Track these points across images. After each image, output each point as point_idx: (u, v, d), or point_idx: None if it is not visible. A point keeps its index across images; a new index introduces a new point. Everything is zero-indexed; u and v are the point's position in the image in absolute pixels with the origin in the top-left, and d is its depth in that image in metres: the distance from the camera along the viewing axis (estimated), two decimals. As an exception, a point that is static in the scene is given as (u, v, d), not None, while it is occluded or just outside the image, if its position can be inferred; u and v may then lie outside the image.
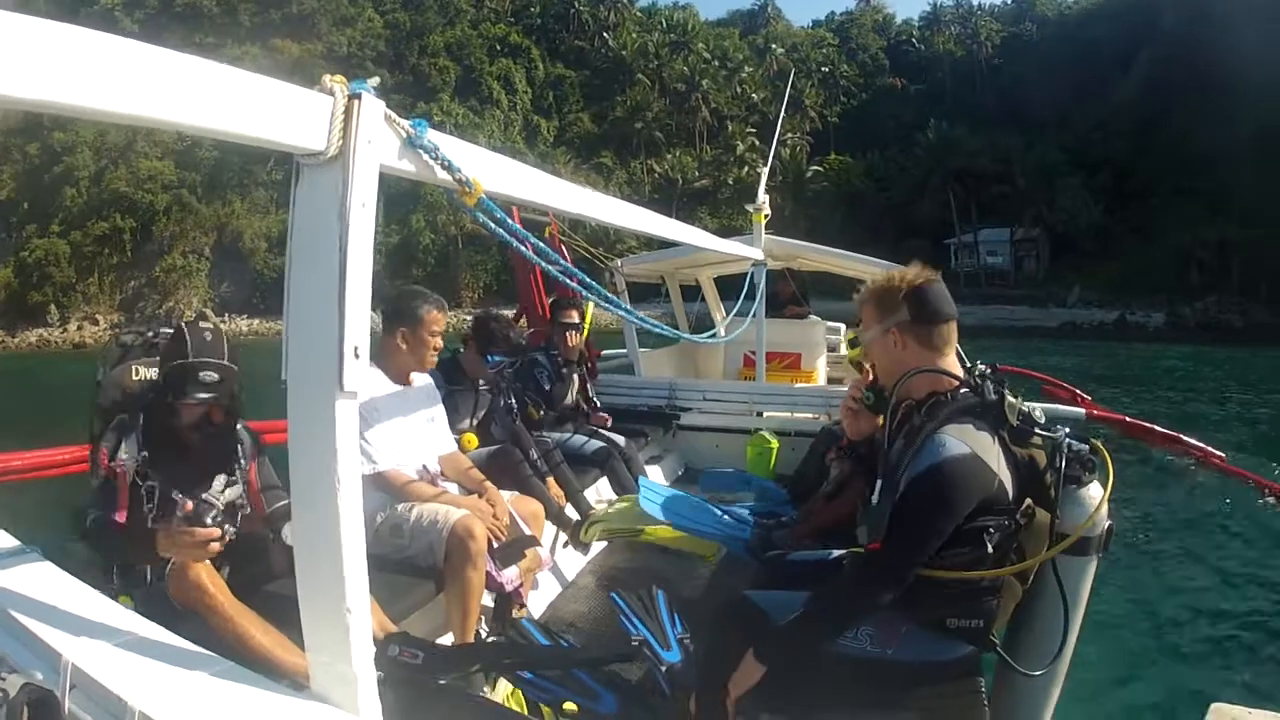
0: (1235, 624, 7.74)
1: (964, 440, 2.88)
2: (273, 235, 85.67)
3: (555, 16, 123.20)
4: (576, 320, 7.83)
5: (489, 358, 6.05)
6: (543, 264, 2.88)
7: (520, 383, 7.45)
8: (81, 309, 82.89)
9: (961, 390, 3.08)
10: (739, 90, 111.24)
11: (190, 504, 3.47)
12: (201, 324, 3.77)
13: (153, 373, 3.84)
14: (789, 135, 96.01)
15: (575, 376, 7.90)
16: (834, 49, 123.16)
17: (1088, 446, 3.20)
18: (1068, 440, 3.11)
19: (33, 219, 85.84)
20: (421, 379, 5.14)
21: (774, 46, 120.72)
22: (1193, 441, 7.77)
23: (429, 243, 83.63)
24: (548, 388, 7.52)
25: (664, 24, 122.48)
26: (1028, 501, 3.01)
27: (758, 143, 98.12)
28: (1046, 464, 3.08)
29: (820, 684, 3.10)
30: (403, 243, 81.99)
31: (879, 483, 3.09)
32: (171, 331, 3.89)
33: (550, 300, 8.38)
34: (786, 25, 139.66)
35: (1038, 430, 3.05)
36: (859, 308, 3.45)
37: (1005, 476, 2.94)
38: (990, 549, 2.91)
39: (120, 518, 3.47)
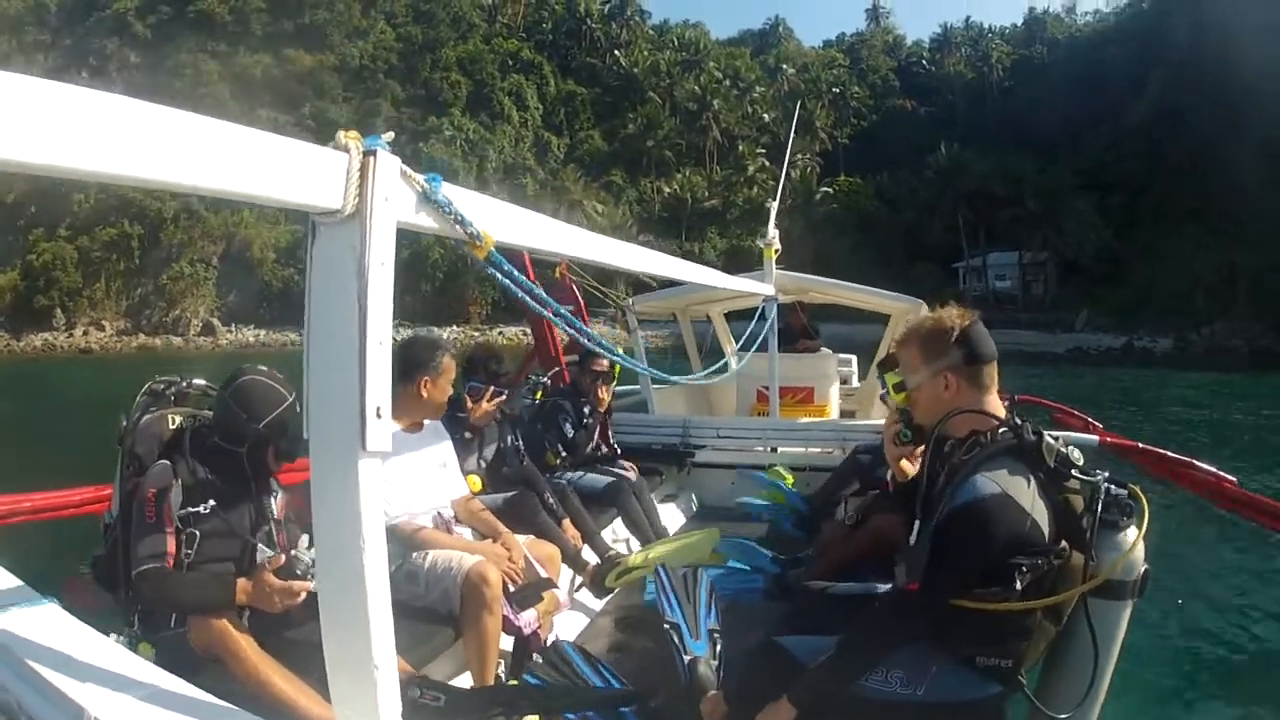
0: (1261, 667, 7.71)
1: (997, 481, 2.87)
2: (281, 246, 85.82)
3: (567, 33, 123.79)
4: (606, 369, 7.80)
5: (468, 384, 5.97)
6: (543, 311, 2.84)
7: (542, 425, 7.42)
8: (88, 314, 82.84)
9: (1001, 430, 3.07)
10: (750, 110, 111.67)
11: (282, 557, 3.54)
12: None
13: (180, 420, 3.86)
14: (799, 156, 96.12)
15: (598, 424, 7.85)
16: (844, 70, 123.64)
17: (1126, 491, 3.17)
18: (1106, 484, 3.09)
19: (40, 223, 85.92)
20: (433, 425, 5.12)
21: (785, 66, 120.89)
22: (1206, 467, 7.73)
23: (438, 258, 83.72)
24: (570, 435, 7.48)
25: (675, 42, 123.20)
26: (1063, 543, 2.98)
27: (768, 163, 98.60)
28: (1084, 507, 3.07)
29: None
30: (412, 258, 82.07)
31: (917, 523, 3.05)
32: (203, 384, 4.05)
33: (570, 343, 8.35)
34: (798, 45, 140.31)
35: (1074, 473, 3.04)
36: (899, 349, 3.44)
37: (1040, 517, 2.93)
38: (1019, 587, 2.88)
39: (169, 564, 3.47)
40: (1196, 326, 66.96)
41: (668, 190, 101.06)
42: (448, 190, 2.05)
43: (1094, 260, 77.26)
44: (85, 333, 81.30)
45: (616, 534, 7.11)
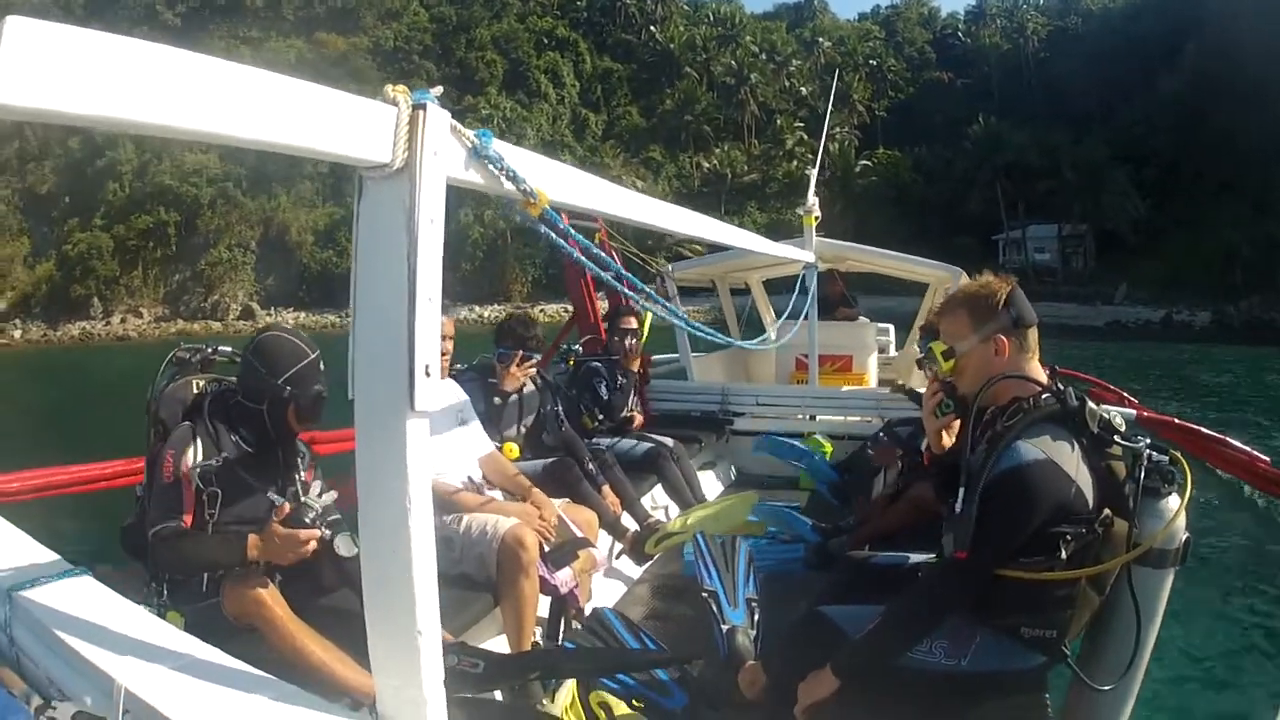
0: None
1: (1040, 448, 2.84)
2: (319, 228, 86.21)
3: (602, 10, 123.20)
4: (635, 327, 7.78)
5: (497, 351, 5.93)
6: (601, 273, 2.81)
7: (576, 390, 7.40)
8: (125, 302, 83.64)
9: (1044, 396, 3.03)
10: (787, 84, 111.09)
11: (288, 505, 3.50)
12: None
13: (204, 385, 3.85)
14: (836, 130, 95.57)
15: (633, 386, 7.83)
16: (880, 42, 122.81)
17: (1167, 458, 3.13)
18: (1148, 450, 3.05)
19: (75, 213, 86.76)
20: (445, 384, 5.07)
21: (821, 40, 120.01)
22: (1239, 445, 7.65)
23: (478, 236, 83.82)
24: (605, 397, 7.46)
25: (711, 17, 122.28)
26: (1106, 511, 2.94)
27: (806, 136, 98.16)
28: (1126, 474, 3.03)
29: (894, 698, 3.04)
30: (453, 236, 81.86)
31: (961, 491, 3.01)
32: (229, 350, 4.00)
33: (609, 309, 8.33)
34: (833, 18, 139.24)
35: (1118, 440, 3.01)
36: (942, 318, 3.39)
37: (1085, 484, 2.89)
38: (1064, 555, 2.85)
39: (187, 523, 3.44)
40: (1235, 300, 66.18)
41: (706, 165, 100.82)
42: (499, 146, 2.01)
43: (1131, 232, 76.40)
44: (123, 320, 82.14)
45: (656, 501, 7.13)
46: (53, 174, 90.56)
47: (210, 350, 4.01)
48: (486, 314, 72.42)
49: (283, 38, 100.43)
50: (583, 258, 2.59)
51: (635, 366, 7.77)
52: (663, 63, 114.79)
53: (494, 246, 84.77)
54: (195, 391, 3.81)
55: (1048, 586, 2.91)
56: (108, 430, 4.85)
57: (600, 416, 7.43)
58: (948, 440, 3.58)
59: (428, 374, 1.81)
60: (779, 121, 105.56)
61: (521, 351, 5.87)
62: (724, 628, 4.05)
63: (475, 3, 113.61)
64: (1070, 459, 2.88)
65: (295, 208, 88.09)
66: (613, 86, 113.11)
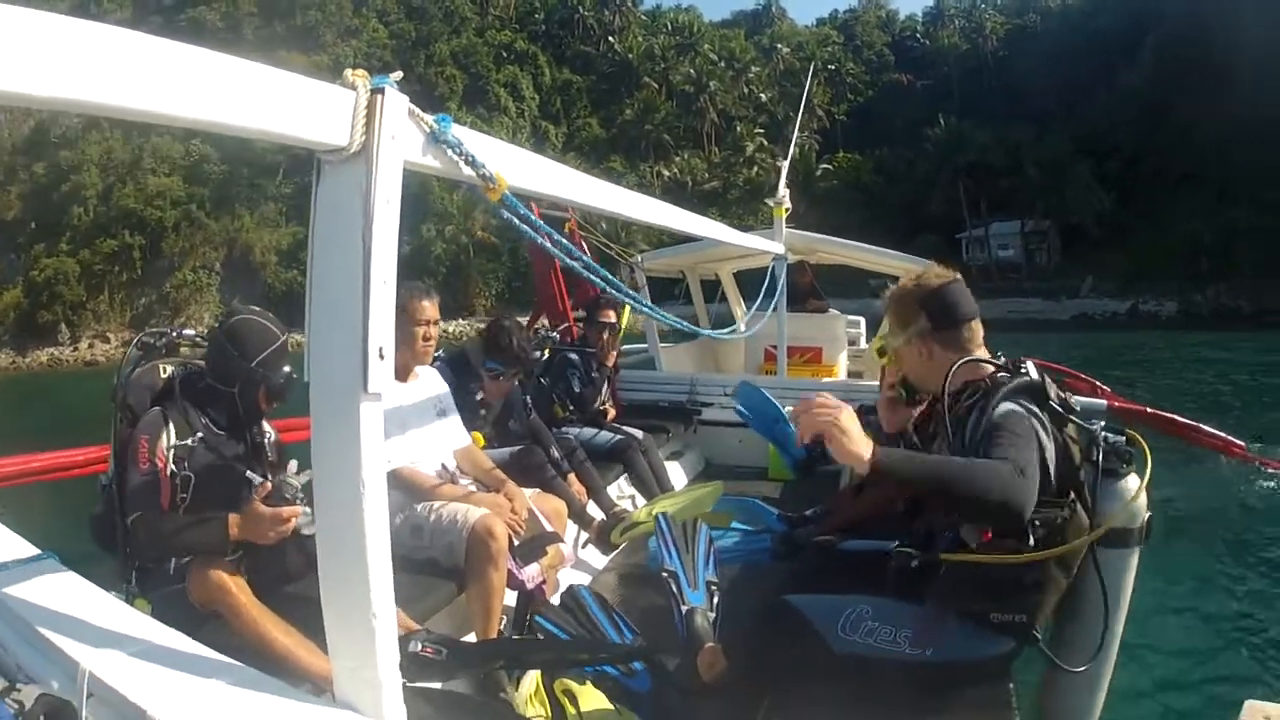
0: (1269, 618, 7.71)
1: (1021, 406, 2.89)
2: (282, 248, 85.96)
3: (560, 22, 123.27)
4: (613, 320, 7.83)
5: (486, 363, 5.95)
6: (565, 259, 2.83)
7: (550, 379, 7.43)
8: (92, 327, 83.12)
9: (1000, 375, 3.05)
10: (746, 90, 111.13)
11: (269, 484, 3.54)
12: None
13: (171, 369, 3.91)
14: (797, 134, 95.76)
15: (605, 380, 7.86)
16: (839, 46, 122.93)
17: (1124, 438, 3.16)
18: (1104, 433, 3.08)
19: (40, 238, 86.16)
20: (427, 372, 5.14)
21: (779, 46, 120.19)
22: (1212, 431, 7.71)
23: (441, 252, 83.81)
24: (579, 390, 7.47)
25: (669, 26, 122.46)
26: (1071, 495, 2.96)
27: (766, 143, 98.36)
28: (1082, 457, 3.06)
29: (859, 692, 3.07)
30: (415, 252, 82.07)
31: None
32: (193, 334, 4.08)
33: (589, 300, 8.34)
34: (791, 24, 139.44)
35: (1073, 418, 3.03)
36: (885, 312, 3.43)
37: (1049, 454, 2.89)
38: (1033, 540, 2.86)
39: (165, 506, 3.50)
40: (1201, 288, 66.69)
41: (667, 174, 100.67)
42: (458, 131, 2.05)
43: (1096, 226, 76.81)
44: (90, 345, 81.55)
45: (623, 491, 7.21)
46: (18, 199, 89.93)
47: (175, 334, 4.04)
48: (451, 329, 72.18)
49: (244, 56, 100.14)
50: (547, 243, 2.60)
51: (611, 361, 7.79)
52: (622, 73, 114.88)
53: (457, 261, 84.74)
54: (163, 376, 3.85)
55: (1017, 570, 2.92)
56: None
57: (571, 407, 7.44)
58: (892, 417, 3.64)
59: (381, 356, 1.84)
60: (739, 128, 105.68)
61: (508, 371, 5.92)
62: (683, 609, 4.07)
63: (434, 18, 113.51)
64: (1040, 427, 2.90)
65: (259, 228, 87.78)
66: (572, 98, 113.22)
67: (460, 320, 77.89)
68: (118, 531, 3.52)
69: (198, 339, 4.02)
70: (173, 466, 3.53)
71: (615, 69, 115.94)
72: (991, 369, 3.11)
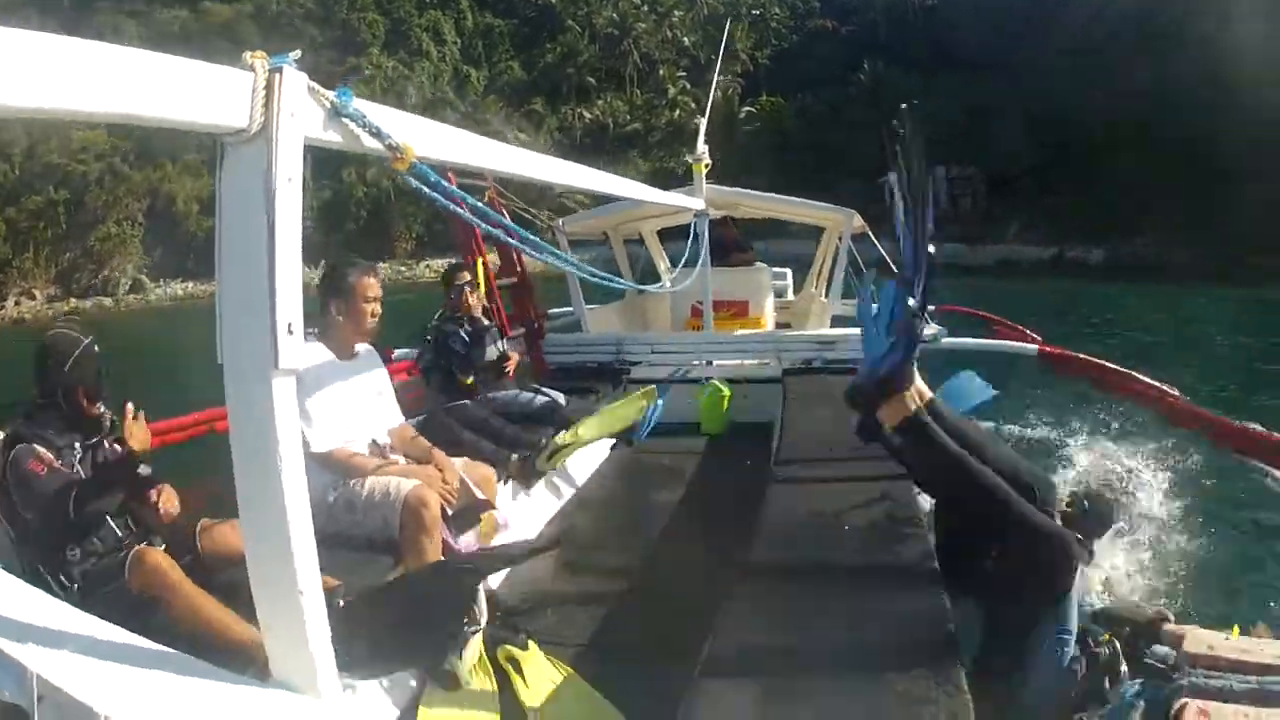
0: (1184, 550, 7.92)
1: None
2: (204, 197, 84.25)
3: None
4: (469, 279, 7.72)
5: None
6: (481, 224, 2.83)
7: (442, 358, 7.40)
8: (19, 285, 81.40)
9: None
10: (670, 34, 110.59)
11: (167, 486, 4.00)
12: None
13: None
14: (721, 78, 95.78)
15: (489, 335, 7.74)
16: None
17: None
18: None
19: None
20: (366, 350, 5.08)
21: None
22: (1148, 380, 7.74)
23: (361, 196, 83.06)
24: (463, 351, 7.43)
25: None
26: None
27: (689, 85, 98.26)
28: None
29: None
30: (335, 198, 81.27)
31: None
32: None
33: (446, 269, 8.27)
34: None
35: None
36: None
37: None
38: None
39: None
40: (1129, 237, 67.28)
41: (589, 116, 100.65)
42: (360, 104, 2.04)
43: (1022, 173, 77.32)
44: (17, 303, 80.00)
45: None
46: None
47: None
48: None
49: (167, 8, 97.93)
50: (460, 210, 2.59)
51: (476, 312, 7.70)
52: (544, 16, 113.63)
53: (378, 205, 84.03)
54: (5, 434, 3.95)
55: None
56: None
57: (471, 373, 7.41)
58: None
59: (290, 331, 1.84)
60: (662, 72, 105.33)
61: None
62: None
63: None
64: None
65: (181, 177, 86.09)
66: (494, 42, 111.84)
67: (382, 263, 77.65)
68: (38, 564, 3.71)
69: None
70: (59, 488, 3.70)
71: (538, 12, 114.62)
72: None
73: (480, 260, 8.60)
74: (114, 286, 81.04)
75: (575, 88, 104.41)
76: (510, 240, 3.22)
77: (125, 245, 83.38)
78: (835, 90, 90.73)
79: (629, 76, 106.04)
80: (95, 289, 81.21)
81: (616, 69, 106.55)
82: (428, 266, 71.66)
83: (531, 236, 3.30)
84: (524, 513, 6.15)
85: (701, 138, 9.79)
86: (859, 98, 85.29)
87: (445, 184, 2.36)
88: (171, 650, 2.21)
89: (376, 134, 2.07)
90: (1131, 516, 7.85)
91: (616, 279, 4.83)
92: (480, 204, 2.78)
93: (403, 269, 76.17)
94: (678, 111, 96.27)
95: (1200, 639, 3.45)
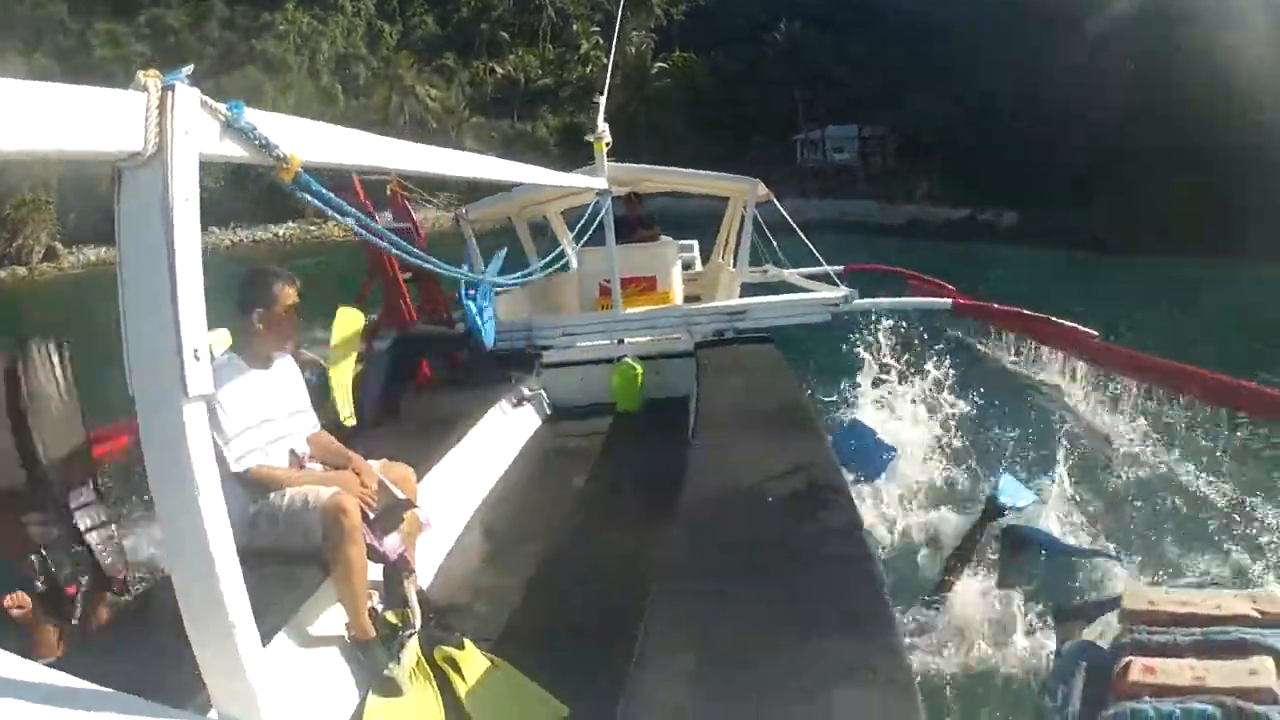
0: (1139, 507, 8.19)
1: None
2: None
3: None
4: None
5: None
6: (362, 232, 2.88)
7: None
8: (-65, 258, 79.44)
9: None
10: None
11: None
12: None
13: None
14: (633, 32, 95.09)
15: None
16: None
17: None
18: None
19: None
20: (283, 359, 5.01)
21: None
22: (1065, 323, 7.75)
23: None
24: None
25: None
26: None
27: (602, 40, 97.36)
28: None
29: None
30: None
31: None
32: None
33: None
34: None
35: None
36: None
37: None
38: None
39: None
40: (1043, 204, 67.33)
41: (500, 71, 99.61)
42: (251, 115, 2.04)
43: (937, 136, 77.32)
44: (-64, 277, 78.14)
45: None
46: None
47: None
48: (281, 232, 74.73)
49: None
50: (340, 219, 2.59)
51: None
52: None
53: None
54: None
55: None
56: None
57: None
58: None
59: (197, 357, 1.83)
60: (575, 27, 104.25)
61: None
62: None
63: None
64: None
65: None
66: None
67: (290, 223, 77.45)
68: None
69: None
70: None
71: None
72: None
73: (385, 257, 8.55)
74: (28, 254, 79.27)
75: (488, 42, 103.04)
76: (381, 244, 3.26)
77: (39, 211, 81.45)
78: (751, 49, 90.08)
79: (542, 31, 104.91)
80: (10, 258, 79.42)
81: (530, 24, 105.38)
82: (338, 225, 71.19)
83: (400, 241, 3.32)
84: (446, 506, 6.10)
85: (601, 115, 9.76)
86: (775, 58, 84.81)
87: (325, 193, 2.37)
88: (111, 690, 2.13)
89: (264, 145, 2.07)
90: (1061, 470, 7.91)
91: (471, 272, 4.85)
92: (358, 210, 2.81)
93: (311, 228, 74.62)
94: (590, 67, 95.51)
95: (1139, 595, 3.56)
